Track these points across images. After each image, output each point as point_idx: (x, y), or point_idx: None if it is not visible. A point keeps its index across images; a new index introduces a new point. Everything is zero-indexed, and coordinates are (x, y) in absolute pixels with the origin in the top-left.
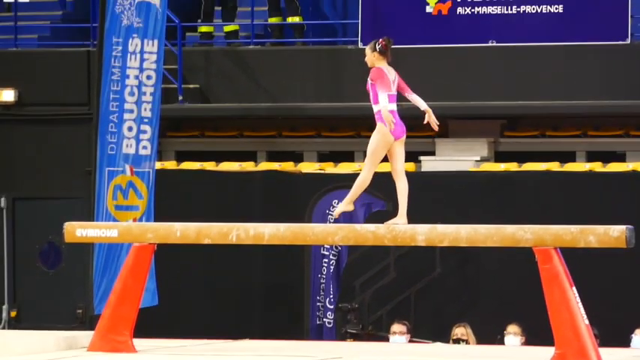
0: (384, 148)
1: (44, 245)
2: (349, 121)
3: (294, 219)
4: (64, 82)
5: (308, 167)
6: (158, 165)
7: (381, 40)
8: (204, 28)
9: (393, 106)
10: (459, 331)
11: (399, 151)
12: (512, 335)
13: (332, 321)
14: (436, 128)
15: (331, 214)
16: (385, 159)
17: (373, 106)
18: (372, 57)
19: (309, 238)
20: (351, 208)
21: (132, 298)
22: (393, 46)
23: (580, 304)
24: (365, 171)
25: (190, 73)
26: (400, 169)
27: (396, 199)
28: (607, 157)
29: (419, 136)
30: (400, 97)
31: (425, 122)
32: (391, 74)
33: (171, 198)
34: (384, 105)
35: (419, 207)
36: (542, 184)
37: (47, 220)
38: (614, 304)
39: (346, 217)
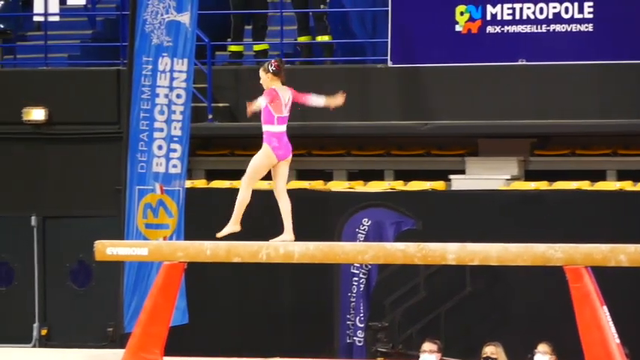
0: (266, 168)
1: (74, 264)
2: (378, 139)
3: (323, 237)
4: (94, 101)
5: (337, 186)
6: (188, 183)
7: (273, 61)
8: (233, 47)
9: (283, 128)
10: (488, 349)
11: (283, 172)
12: (542, 354)
13: (362, 340)
14: (342, 100)
15: (361, 232)
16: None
17: (263, 126)
18: (266, 78)
19: (339, 257)
20: (237, 228)
21: (162, 317)
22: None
23: (611, 323)
24: (243, 189)
25: (220, 92)
26: (282, 188)
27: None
28: (637, 175)
29: (449, 154)
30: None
31: (332, 108)
32: (285, 95)
33: (201, 216)
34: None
35: (449, 225)
36: (573, 202)
37: (77, 238)
38: None
39: (375, 236)
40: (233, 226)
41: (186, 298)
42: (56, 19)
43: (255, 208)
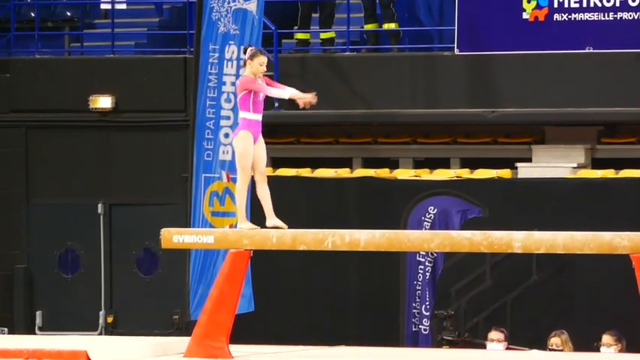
0: (252, 154)
1: (141, 251)
2: (444, 127)
3: (389, 225)
4: (161, 88)
5: (403, 174)
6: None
7: (249, 48)
8: (300, 35)
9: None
10: (554, 341)
11: (262, 154)
12: (607, 347)
13: (428, 328)
14: (314, 100)
15: (427, 220)
16: None
17: (240, 112)
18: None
19: (405, 245)
20: (251, 225)
21: (228, 305)
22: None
23: None
24: (240, 182)
25: (286, 80)
26: (264, 171)
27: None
28: None
29: (515, 142)
30: None
31: (301, 107)
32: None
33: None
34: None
35: (515, 214)
36: (639, 191)
37: (144, 226)
38: None
39: (441, 224)
40: (246, 223)
41: (252, 285)
42: (123, 6)
43: (317, 198)
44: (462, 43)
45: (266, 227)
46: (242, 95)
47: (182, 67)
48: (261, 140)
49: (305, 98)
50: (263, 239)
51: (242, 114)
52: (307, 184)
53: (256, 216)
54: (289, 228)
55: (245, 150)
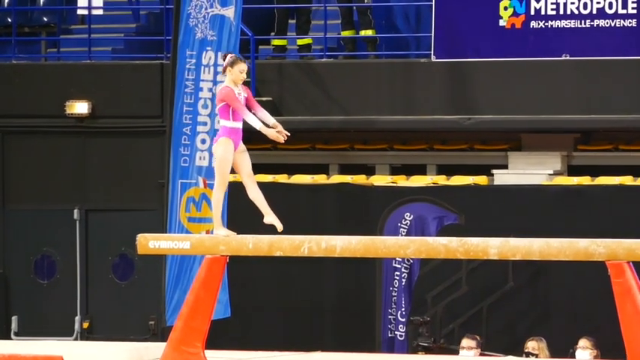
0: (231, 161)
1: (117, 257)
2: (421, 134)
3: (366, 232)
4: (138, 94)
5: (380, 180)
6: (231, 177)
7: (228, 55)
8: (277, 42)
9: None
10: (530, 344)
11: (245, 158)
12: (583, 349)
13: (403, 334)
14: (283, 139)
15: (403, 227)
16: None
17: (220, 120)
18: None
19: (381, 251)
20: (228, 232)
21: (204, 310)
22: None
23: None
24: (217, 188)
25: (263, 86)
26: (251, 174)
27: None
28: None
29: (492, 149)
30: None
31: (272, 136)
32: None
33: (244, 210)
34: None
35: (491, 220)
36: (616, 198)
37: (120, 232)
38: None
39: (418, 231)
40: (222, 229)
41: (228, 291)
42: (100, 12)
43: (294, 204)
44: (439, 49)
45: (264, 223)
46: (221, 105)
47: (159, 73)
48: (242, 147)
49: (272, 135)
50: (239, 245)
51: (222, 122)
52: (284, 191)
53: (233, 222)
54: (264, 234)
55: (224, 156)
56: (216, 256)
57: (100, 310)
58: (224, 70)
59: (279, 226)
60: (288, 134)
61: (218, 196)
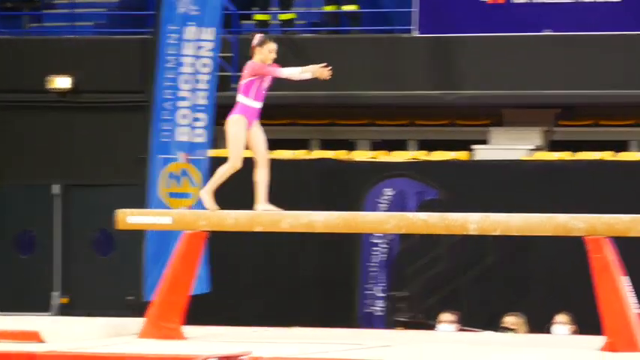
0: (243, 139)
1: (97, 232)
2: (404, 109)
3: (346, 207)
4: (120, 69)
5: (361, 155)
6: (213, 152)
7: (257, 35)
8: (260, 16)
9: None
10: (509, 319)
11: (259, 136)
12: (561, 325)
13: (382, 309)
14: (328, 74)
15: (383, 202)
16: None
17: (239, 96)
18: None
19: (362, 227)
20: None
21: (182, 286)
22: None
23: (631, 293)
24: (226, 165)
25: (245, 61)
26: (265, 154)
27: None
28: None
29: (472, 124)
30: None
31: (318, 73)
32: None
33: (225, 186)
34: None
35: (472, 196)
36: (596, 173)
37: (100, 207)
38: None
39: (398, 206)
40: (210, 203)
41: (209, 266)
42: None
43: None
44: (422, 25)
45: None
46: (247, 81)
47: (141, 48)
48: (256, 125)
49: (317, 71)
50: (220, 220)
51: (241, 98)
52: None
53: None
54: (245, 210)
55: (236, 135)
56: (195, 232)
57: (79, 285)
58: (253, 50)
59: (264, 206)
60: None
61: (223, 171)
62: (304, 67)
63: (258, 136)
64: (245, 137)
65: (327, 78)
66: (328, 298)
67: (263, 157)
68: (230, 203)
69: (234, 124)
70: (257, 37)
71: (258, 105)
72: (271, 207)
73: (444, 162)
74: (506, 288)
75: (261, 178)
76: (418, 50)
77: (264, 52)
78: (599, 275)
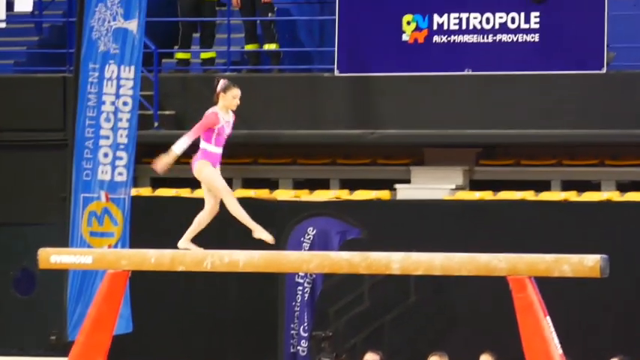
0: (217, 174)
1: (18, 271)
2: (325, 148)
3: (269, 246)
4: (40, 107)
5: (283, 194)
6: (133, 191)
7: (221, 80)
8: (180, 55)
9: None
10: (433, 359)
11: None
12: None
13: (306, 349)
14: None
15: (306, 242)
16: None
17: (201, 142)
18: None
19: (284, 266)
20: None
21: (106, 325)
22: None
23: (554, 333)
24: (229, 202)
25: (167, 100)
26: (218, 201)
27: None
28: (582, 186)
29: (394, 164)
30: None
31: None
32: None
33: (147, 224)
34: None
35: (394, 235)
36: (517, 212)
37: (22, 246)
38: (588, 333)
39: (321, 245)
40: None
41: (130, 306)
42: (2, 25)
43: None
44: (343, 64)
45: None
46: (202, 126)
47: (61, 87)
48: (218, 170)
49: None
50: (141, 260)
51: (203, 144)
52: (187, 205)
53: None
54: (167, 248)
55: (210, 174)
56: (118, 271)
57: (1, 325)
58: (217, 96)
59: (270, 238)
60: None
61: (234, 207)
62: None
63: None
64: (217, 172)
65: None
66: (253, 338)
67: (215, 203)
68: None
69: (204, 167)
70: (221, 83)
71: (219, 150)
72: (193, 246)
73: (366, 201)
74: (429, 327)
75: (203, 220)
76: (339, 89)
77: (228, 99)
78: (522, 315)
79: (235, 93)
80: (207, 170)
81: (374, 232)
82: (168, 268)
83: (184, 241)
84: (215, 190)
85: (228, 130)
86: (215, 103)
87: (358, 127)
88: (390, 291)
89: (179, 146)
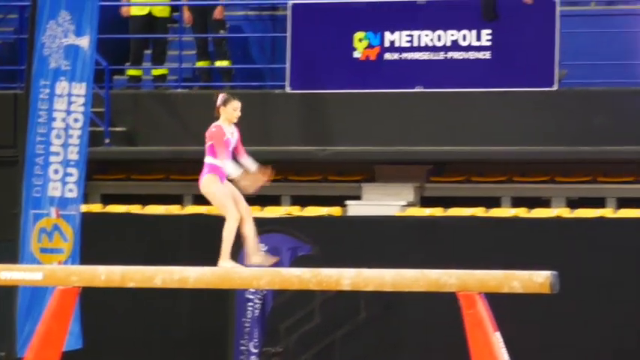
0: (226, 191)
1: None
2: (276, 165)
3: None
4: None
5: None
6: (84, 208)
7: (220, 95)
8: (132, 72)
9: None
10: None
11: (235, 188)
12: None
13: None
14: (253, 190)
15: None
16: None
17: (206, 157)
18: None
19: (235, 282)
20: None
21: (55, 342)
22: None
23: (504, 349)
24: (228, 222)
25: (118, 116)
26: (247, 207)
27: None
28: (532, 202)
29: (345, 180)
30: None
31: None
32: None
33: (98, 241)
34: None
35: (345, 251)
36: (468, 229)
37: None
38: (539, 349)
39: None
40: (228, 261)
41: (80, 322)
42: None
43: (148, 234)
44: (294, 81)
45: (248, 264)
46: (210, 144)
47: (12, 103)
48: (227, 183)
49: (243, 185)
50: (91, 276)
51: (209, 159)
52: (137, 221)
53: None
54: (118, 265)
55: (219, 191)
56: (68, 287)
57: None
58: (217, 110)
59: (269, 261)
60: (267, 180)
61: (229, 230)
62: (239, 174)
63: (235, 191)
64: (226, 189)
65: (247, 191)
66: (203, 354)
67: (245, 210)
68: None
69: (211, 183)
70: (220, 97)
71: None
72: (263, 259)
73: (317, 218)
74: (379, 344)
75: (249, 231)
76: (291, 106)
77: (229, 111)
78: (471, 331)
79: (235, 105)
80: (215, 187)
81: (325, 249)
82: (118, 285)
83: (224, 261)
84: (221, 208)
85: (233, 143)
86: (217, 119)
87: (310, 144)
88: (341, 307)
89: (235, 171)
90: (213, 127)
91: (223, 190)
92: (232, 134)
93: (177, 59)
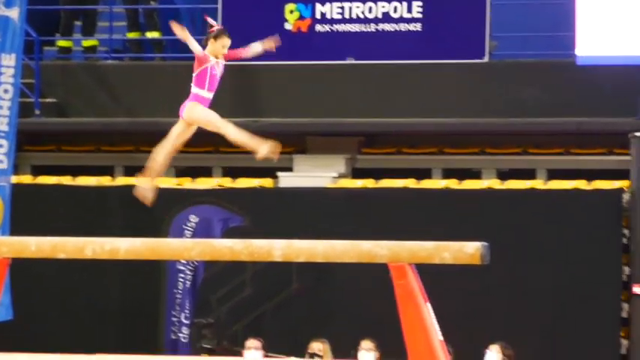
0: (209, 110)
1: None
2: (207, 136)
3: (151, 234)
4: None
5: (165, 182)
6: (14, 179)
7: (216, 26)
8: (62, 43)
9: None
10: (315, 346)
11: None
12: (366, 351)
13: (187, 336)
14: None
15: (188, 229)
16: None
17: (193, 87)
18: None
19: (166, 253)
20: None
21: None
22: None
23: (434, 320)
24: (232, 132)
25: (48, 88)
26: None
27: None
28: (463, 174)
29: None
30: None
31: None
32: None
33: (28, 212)
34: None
35: (277, 223)
36: (399, 200)
37: None
38: (469, 320)
39: (203, 233)
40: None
41: (11, 293)
42: None
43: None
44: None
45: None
46: (198, 72)
47: None
48: None
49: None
50: (22, 247)
51: (194, 89)
52: (68, 193)
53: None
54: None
55: (203, 110)
56: None
57: None
58: (206, 40)
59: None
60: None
61: (234, 134)
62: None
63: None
64: (207, 109)
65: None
66: (134, 325)
67: (223, 123)
68: None
69: (195, 106)
70: (215, 28)
71: (210, 96)
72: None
73: (248, 189)
74: (311, 314)
75: (237, 136)
76: (222, 77)
77: (217, 46)
78: (402, 302)
79: (225, 42)
80: (196, 111)
81: (256, 220)
82: (48, 256)
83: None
84: (212, 124)
85: (219, 71)
86: (204, 47)
87: (241, 116)
88: (273, 279)
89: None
90: (201, 54)
91: (205, 109)
92: (217, 63)
93: (107, 30)
